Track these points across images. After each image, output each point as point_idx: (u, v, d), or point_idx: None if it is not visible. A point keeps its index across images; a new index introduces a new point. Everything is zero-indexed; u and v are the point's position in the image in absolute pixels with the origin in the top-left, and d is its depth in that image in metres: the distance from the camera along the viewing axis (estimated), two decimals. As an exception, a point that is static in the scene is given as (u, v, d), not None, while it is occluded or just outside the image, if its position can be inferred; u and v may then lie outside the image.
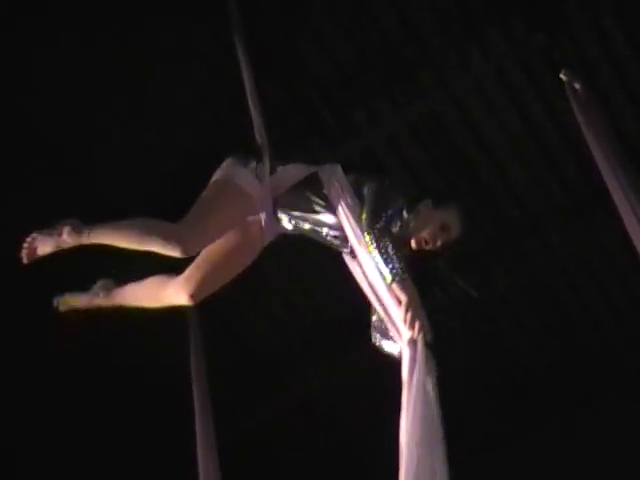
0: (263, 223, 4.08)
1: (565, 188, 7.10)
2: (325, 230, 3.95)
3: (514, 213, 7.23)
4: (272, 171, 4.03)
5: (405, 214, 3.86)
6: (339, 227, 3.86)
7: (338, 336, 7.50)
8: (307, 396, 8.11)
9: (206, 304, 6.50)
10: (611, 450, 7.95)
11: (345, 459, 8.70)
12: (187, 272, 4.14)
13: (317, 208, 3.92)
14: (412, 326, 3.46)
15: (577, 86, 5.07)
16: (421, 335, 3.46)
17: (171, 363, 6.91)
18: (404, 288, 3.52)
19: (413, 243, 3.87)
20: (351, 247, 3.82)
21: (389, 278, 3.52)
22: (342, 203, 3.80)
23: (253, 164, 4.04)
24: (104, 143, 6.39)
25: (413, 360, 3.39)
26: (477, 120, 6.68)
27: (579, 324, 8.09)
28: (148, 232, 3.87)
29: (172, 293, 4.16)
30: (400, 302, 3.52)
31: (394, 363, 3.61)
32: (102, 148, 6.41)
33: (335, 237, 3.93)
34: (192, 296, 4.14)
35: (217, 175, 4.08)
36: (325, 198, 3.89)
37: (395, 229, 3.77)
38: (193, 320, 6.06)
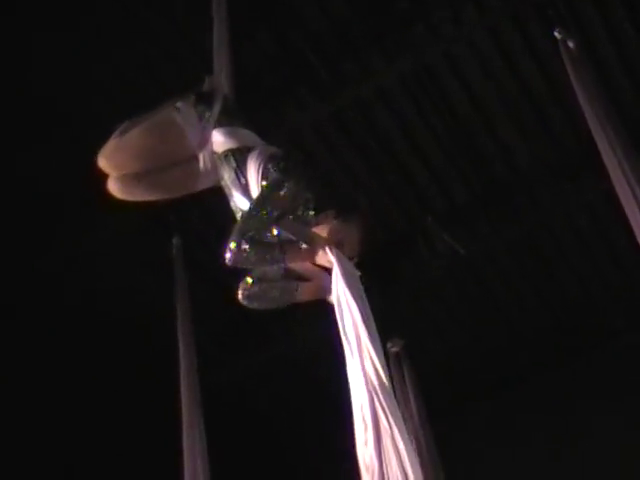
0: (201, 164, 4.09)
1: (555, 148, 7.09)
2: (233, 202, 3.93)
3: (503, 171, 7.23)
4: (221, 124, 4.04)
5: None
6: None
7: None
8: (290, 347, 8.14)
9: (191, 254, 6.59)
10: (595, 404, 8.06)
11: (325, 408, 8.76)
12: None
13: (235, 181, 3.89)
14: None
15: (571, 44, 5.05)
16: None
17: (155, 314, 6.95)
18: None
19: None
20: None
21: None
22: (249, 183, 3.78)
23: (202, 108, 4.07)
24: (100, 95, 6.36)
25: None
26: (469, 76, 6.64)
27: (564, 282, 8.14)
28: None
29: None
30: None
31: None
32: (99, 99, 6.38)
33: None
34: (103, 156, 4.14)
35: (164, 108, 4.14)
36: (242, 173, 3.85)
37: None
38: (177, 266, 6.10)
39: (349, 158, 7.05)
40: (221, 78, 4.35)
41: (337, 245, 3.65)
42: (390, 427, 3.12)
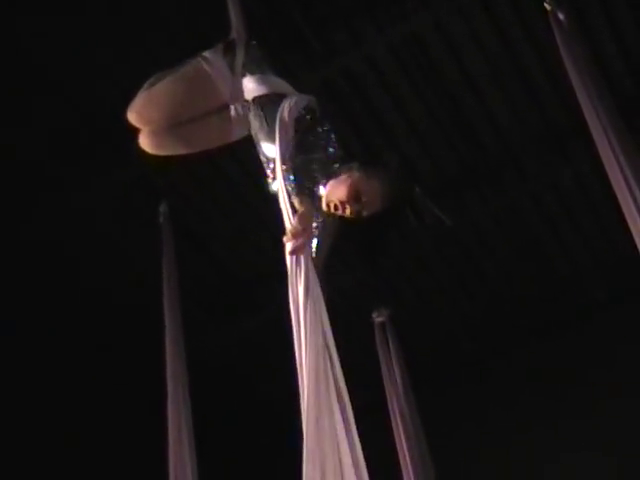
0: (232, 113, 4.08)
1: (544, 119, 7.09)
2: (261, 151, 3.87)
3: (492, 142, 7.23)
4: (252, 72, 4.01)
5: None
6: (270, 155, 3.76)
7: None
8: (278, 313, 8.14)
9: (179, 220, 6.58)
10: (579, 374, 8.13)
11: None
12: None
13: (262, 128, 3.83)
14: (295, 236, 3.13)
15: (561, 16, 5.04)
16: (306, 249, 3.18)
17: (142, 280, 6.94)
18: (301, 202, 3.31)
19: (323, 204, 3.60)
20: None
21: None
22: (278, 135, 3.58)
23: (231, 57, 4.07)
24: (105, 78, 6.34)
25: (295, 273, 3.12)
26: (459, 46, 6.62)
27: (551, 253, 8.17)
28: None
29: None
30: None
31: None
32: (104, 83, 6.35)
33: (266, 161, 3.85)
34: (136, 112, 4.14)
35: (193, 59, 4.12)
36: (271, 123, 3.70)
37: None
38: (165, 233, 6.10)
39: (338, 127, 7.01)
40: (241, 26, 4.29)
41: (355, 199, 3.52)
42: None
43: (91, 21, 5.97)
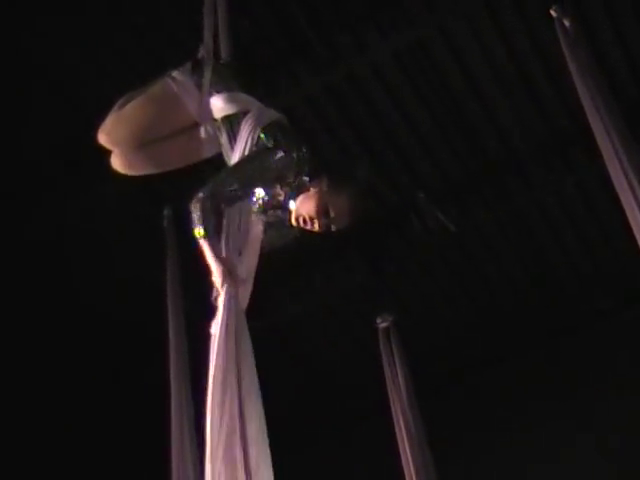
0: (202, 132, 4.06)
1: (549, 126, 7.09)
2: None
3: (496, 148, 7.23)
4: (219, 90, 3.97)
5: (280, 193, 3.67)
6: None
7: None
8: (276, 320, 8.16)
9: (183, 225, 6.58)
10: (582, 382, 8.12)
11: (309, 381, 8.81)
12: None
13: (226, 142, 3.85)
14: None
15: (566, 23, 5.03)
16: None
17: (146, 284, 6.95)
18: None
19: (292, 218, 3.65)
20: None
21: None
22: (237, 147, 3.70)
23: (198, 76, 4.03)
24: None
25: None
26: (463, 53, 6.63)
27: (554, 260, 8.16)
28: None
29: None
30: None
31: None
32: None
33: None
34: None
35: (161, 79, 4.10)
36: (234, 137, 3.78)
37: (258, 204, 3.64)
38: (169, 237, 6.10)
39: (342, 132, 7.05)
40: (210, 45, 4.29)
41: (324, 215, 3.57)
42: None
43: (91, 21, 5.98)
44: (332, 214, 3.58)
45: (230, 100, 3.92)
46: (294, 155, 3.61)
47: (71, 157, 6.62)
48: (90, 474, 7.24)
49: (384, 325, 6.93)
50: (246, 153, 3.65)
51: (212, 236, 3.50)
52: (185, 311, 5.80)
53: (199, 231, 3.47)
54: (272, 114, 3.81)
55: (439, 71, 6.73)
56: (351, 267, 7.66)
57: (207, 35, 4.35)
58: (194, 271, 6.81)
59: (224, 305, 3.39)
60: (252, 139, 3.67)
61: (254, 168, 3.57)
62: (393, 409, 6.53)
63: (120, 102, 4.09)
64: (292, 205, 3.66)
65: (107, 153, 3.98)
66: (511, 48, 6.59)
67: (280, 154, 3.58)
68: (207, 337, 3.37)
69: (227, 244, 3.56)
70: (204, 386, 2.92)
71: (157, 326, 5.82)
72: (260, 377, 3.23)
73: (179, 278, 5.91)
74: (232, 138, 3.80)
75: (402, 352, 6.79)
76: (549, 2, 5.12)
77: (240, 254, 3.57)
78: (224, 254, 3.52)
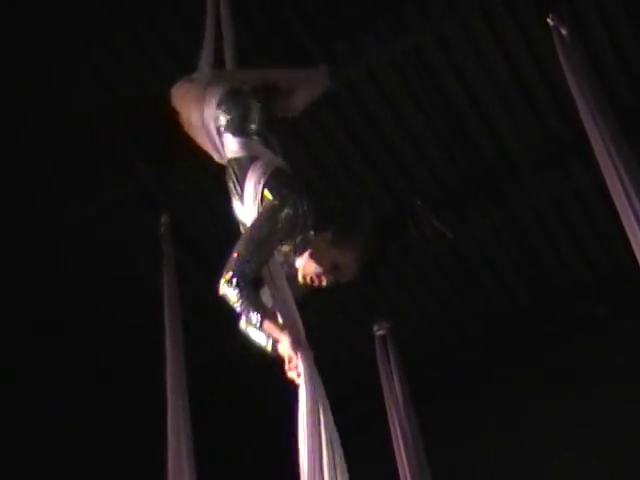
0: (216, 158, 4.07)
1: (544, 133, 7.10)
2: (233, 209, 3.89)
3: (492, 154, 7.23)
4: (234, 132, 3.95)
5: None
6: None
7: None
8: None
9: (180, 232, 6.59)
10: (578, 389, 8.12)
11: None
12: None
13: (231, 186, 3.86)
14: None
15: (564, 32, 5.05)
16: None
17: (143, 291, 6.94)
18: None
19: (299, 276, 3.66)
20: None
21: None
22: (247, 200, 3.69)
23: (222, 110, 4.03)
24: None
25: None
26: (460, 59, 6.63)
27: (551, 267, 8.16)
28: None
29: None
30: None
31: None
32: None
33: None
34: None
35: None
36: (239, 184, 3.78)
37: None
38: (166, 244, 6.10)
39: (338, 139, 7.05)
40: (211, 56, 4.33)
41: (332, 271, 3.58)
42: None
43: (91, 21, 5.98)
44: (340, 268, 3.60)
45: (241, 145, 3.87)
46: (299, 211, 3.56)
47: (67, 163, 6.62)
48: (90, 474, 7.24)
49: (381, 333, 6.94)
50: (252, 210, 3.62)
51: (269, 313, 3.43)
52: (182, 317, 5.80)
53: (253, 319, 3.42)
54: (278, 163, 3.78)
55: (435, 78, 6.73)
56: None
57: (207, 41, 4.36)
58: (191, 277, 6.87)
59: (306, 375, 3.32)
60: (257, 194, 3.62)
61: (267, 234, 3.50)
62: (389, 416, 6.54)
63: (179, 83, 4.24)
64: (298, 263, 3.66)
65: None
66: (507, 55, 6.60)
67: (287, 211, 3.53)
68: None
69: (276, 310, 3.49)
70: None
71: (154, 331, 5.82)
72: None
73: (176, 285, 5.91)
74: (235, 182, 3.79)
75: (398, 359, 6.80)
76: (546, 10, 5.15)
77: (285, 303, 3.47)
78: (280, 321, 3.42)
